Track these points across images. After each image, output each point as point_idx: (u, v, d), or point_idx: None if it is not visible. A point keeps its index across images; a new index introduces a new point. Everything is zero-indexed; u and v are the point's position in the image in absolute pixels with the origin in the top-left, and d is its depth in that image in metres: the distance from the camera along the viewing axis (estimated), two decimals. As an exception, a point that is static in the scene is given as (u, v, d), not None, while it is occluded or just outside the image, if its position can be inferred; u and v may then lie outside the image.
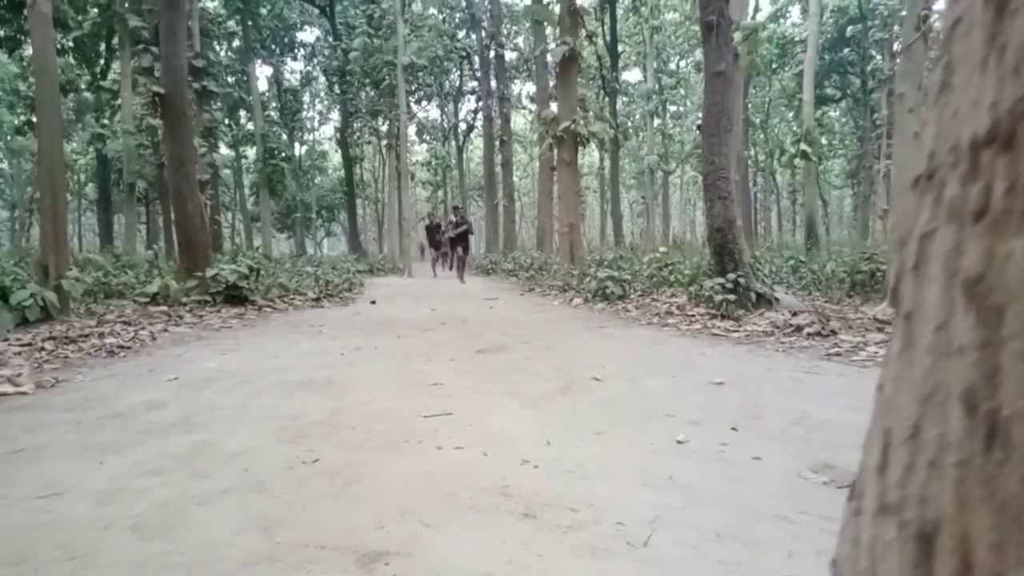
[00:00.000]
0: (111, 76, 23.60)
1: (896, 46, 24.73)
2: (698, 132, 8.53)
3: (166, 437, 2.80)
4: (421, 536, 1.80)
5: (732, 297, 6.04)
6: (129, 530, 1.87)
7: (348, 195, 28.81)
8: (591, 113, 14.89)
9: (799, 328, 5.25)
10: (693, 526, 1.82)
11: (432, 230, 19.44)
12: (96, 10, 20.68)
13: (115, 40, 20.92)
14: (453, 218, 16.60)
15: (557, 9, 12.56)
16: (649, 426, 2.83)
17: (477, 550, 1.72)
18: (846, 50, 24.26)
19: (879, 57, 23.86)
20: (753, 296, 6.19)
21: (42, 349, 5.28)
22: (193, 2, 16.91)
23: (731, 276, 6.19)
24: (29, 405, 3.48)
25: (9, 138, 32.19)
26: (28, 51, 22.57)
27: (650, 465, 2.34)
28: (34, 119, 21.68)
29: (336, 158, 41.05)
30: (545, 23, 14.97)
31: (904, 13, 22.03)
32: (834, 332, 5.08)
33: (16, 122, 28.03)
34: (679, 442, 2.58)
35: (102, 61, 24.94)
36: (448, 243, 17.09)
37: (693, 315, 6.26)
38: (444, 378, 3.99)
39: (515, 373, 4.12)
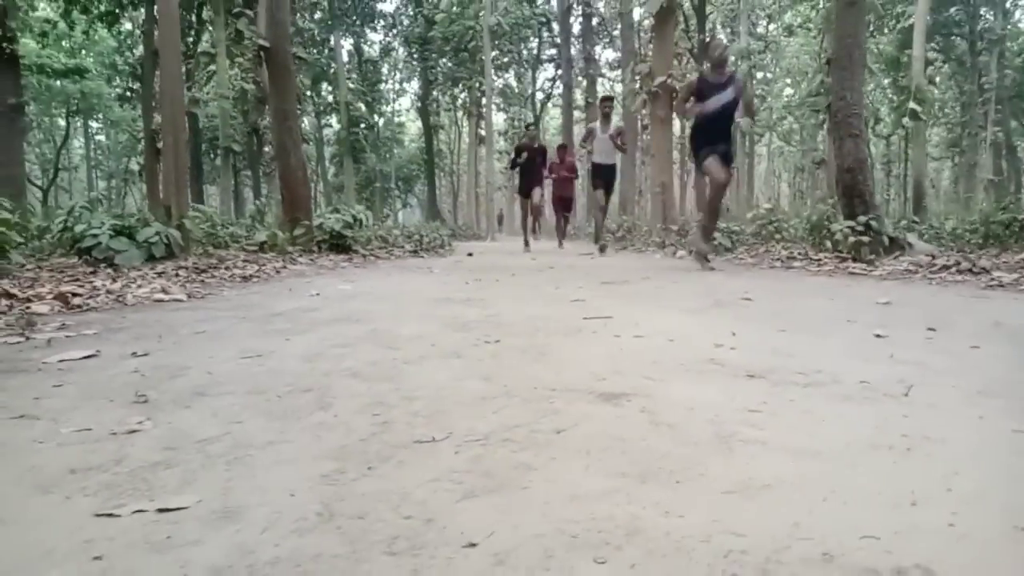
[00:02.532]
0: (201, 46, 24.40)
1: (1009, 3, 23.09)
2: (825, 67, 8.15)
3: (337, 327, 2.82)
4: (652, 386, 1.73)
5: (865, 239, 5.74)
6: (350, 376, 1.87)
7: (428, 163, 29.05)
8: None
9: (945, 267, 4.94)
10: (947, 386, 1.69)
11: (531, 160, 10.99)
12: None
13: (205, 12, 21.44)
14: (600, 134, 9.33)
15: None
16: (834, 327, 2.69)
17: (716, 394, 1.64)
18: (952, 9, 22.73)
19: (991, 16, 22.27)
20: (885, 240, 5.87)
21: (176, 275, 5.49)
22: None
23: (862, 219, 5.88)
24: (190, 307, 3.59)
25: (109, 109, 33.69)
26: (127, 26, 23.59)
27: (860, 349, 2.21)
28: (134, 86, 22.70)
29: (413, 129, 41.49)
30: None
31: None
32: (985, 270, 4.76)
33: (114, 93, 29.31)
34: (878, 336, 2.43)
35: (193, 32, 25.80)
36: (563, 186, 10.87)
37: (819, 259, 5.99)
38: (583, 297, 3.92)
39: (653, 297, 4.01)
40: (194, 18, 25.50)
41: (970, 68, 23.99)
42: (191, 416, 1.50)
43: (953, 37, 24.36)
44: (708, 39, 6.21)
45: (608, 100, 9.80)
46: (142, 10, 16.81)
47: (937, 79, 28.47)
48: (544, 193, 11.31)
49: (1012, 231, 6.91)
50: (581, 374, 1.87)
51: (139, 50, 22.77)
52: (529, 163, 11.00)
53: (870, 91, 28.87)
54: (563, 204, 12.00)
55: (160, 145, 11.26)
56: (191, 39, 25.78)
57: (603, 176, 9.53)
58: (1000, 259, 5.75)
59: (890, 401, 1.55)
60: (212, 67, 19.38)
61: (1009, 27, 23.35)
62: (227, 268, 6.01)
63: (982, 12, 22.95)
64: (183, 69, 23.74)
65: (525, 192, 11.44)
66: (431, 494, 1.04)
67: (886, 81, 26.95)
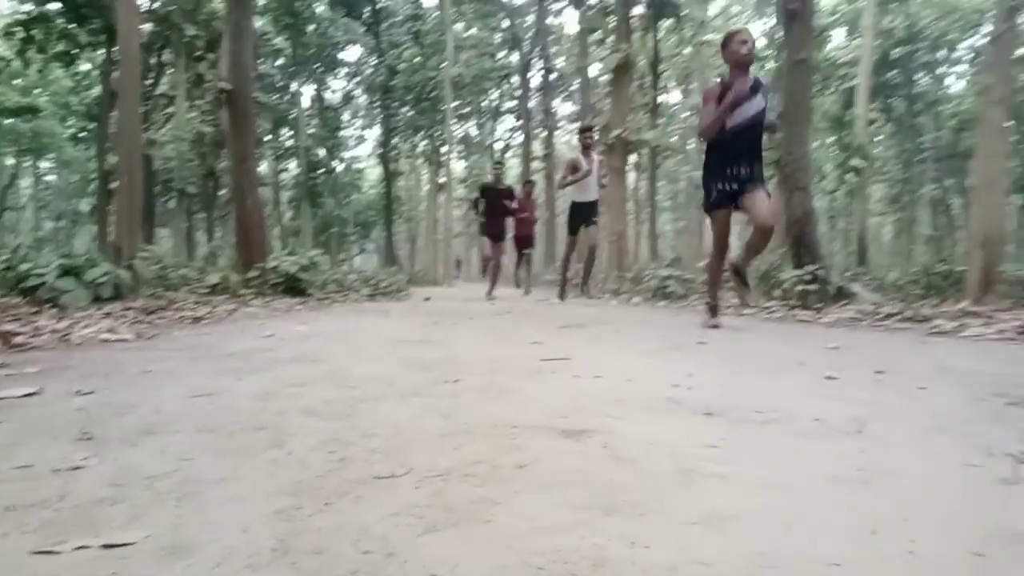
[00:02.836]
0: (160, 88, 24.29)
1: (941, 69, 24.53)
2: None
3: (292, 366, 2.76)
4: (612, 423, 1.73)
5: (813, 288, 5.91)
6: (304, 414, 1.83)
7: (387, 208, 29.05)
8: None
9: (890, 315, 5.11)
10: (899, 424, 1.73)
11: (494, 201, 10.10)
12: (151, 24, 21.28)
13: (164, 54, 21.31)
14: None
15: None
16: (787, 369, 2.74)
17: (676, 431, 1.65)
18: (891, 72, 24.06)
19: (927, 79, 23.63)
20: (832, 289, 6.06)
21: (123, 316, 5.32)
22: (250, 20, 17.24)
23: (809, 268, 6.06)
24: (138, 347, 3.48)
25: (61, 149, 33.02)
26: (84, 67, 23.30)
27: (813, 389, 2.25)
28: (90, 126, 22.31)
29: (372, 175, 41.59)
30: (592, 34, 15.09)
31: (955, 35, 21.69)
32: (927, 319, 4.93)
33: (68, 133, 28.76)
34: (829, 377, 2.48)
35: (152, 74, 25.65)
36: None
37: (769, 307, 6.13)
38: (541, 340, 3.92)
39: (612, 340, 4.04)
40: (153, 60, 25.40)
41: (909, 128, 25.28)
42: (138, 453, 1.44)
43: (891, 99, 25.70)
44: (730, 32, 4.43)
45: (588, 130, 8.54)
46: (101, 51, 16.69)
47: (878, 138, 29.95)
48: (506, 238, 10.47)
49: (950, 282, 7.21)
50: (542, 412, 1.86)
51: (96, 90, 22.49)
52: (493, 203, 10.05)
53: (815, 148, 30.16)
54: (524, 243, 11.18)
55: (113, 185, 11.05)
56: (150, 81, 25.63)
57: (586, 215, 8.15)
58: (940, 308, 5.97)
59: (845, 437, 1.58)
60: (170, 109, 19.27)
61: (941, 91, 24.75)
62: (177, 309, 5.86)
63: (916, 77, 24.33)
64: (141, 110, 23.48)
65: (491, 235, 10.37)
66: (391, 528, 1.01)
67: (830, 139, 28.21)
